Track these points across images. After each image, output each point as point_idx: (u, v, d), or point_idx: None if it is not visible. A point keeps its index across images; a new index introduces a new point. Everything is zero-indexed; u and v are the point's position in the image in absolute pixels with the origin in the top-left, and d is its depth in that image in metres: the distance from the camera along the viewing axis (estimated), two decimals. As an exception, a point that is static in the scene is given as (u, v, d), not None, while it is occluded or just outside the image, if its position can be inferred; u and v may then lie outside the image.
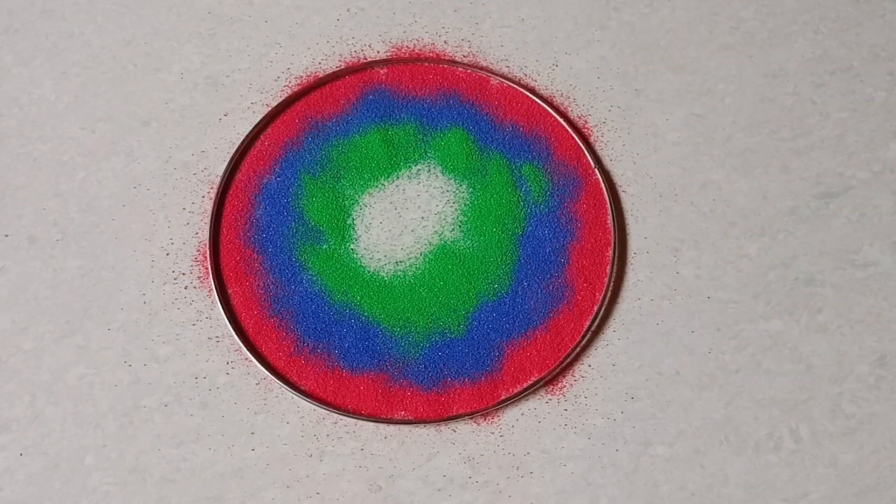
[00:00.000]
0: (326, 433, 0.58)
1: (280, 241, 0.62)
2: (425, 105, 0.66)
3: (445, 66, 0.67)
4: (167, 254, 0.62)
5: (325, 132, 0.65)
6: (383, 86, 0.67)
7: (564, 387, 0.59)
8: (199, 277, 0.61)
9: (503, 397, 0.58)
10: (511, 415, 0.58)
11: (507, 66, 0.67)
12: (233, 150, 0.64)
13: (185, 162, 0.64)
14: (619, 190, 0.64)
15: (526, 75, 0.67)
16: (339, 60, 0.67)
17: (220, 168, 0.64)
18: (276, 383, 0.59)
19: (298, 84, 0.67)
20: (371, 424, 0.58)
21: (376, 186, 0.63)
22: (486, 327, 0.60)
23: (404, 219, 0.63)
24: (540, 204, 0.63)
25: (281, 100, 0.66)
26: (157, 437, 0.57)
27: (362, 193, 0.63)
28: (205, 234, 0.62)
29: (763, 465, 0.57)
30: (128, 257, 0.62)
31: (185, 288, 0.61)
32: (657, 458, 0.57)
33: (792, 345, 0.60)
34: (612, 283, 0.61)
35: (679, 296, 0.61)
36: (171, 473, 0.57)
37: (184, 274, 0.61)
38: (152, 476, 0.57)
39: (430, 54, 0.68)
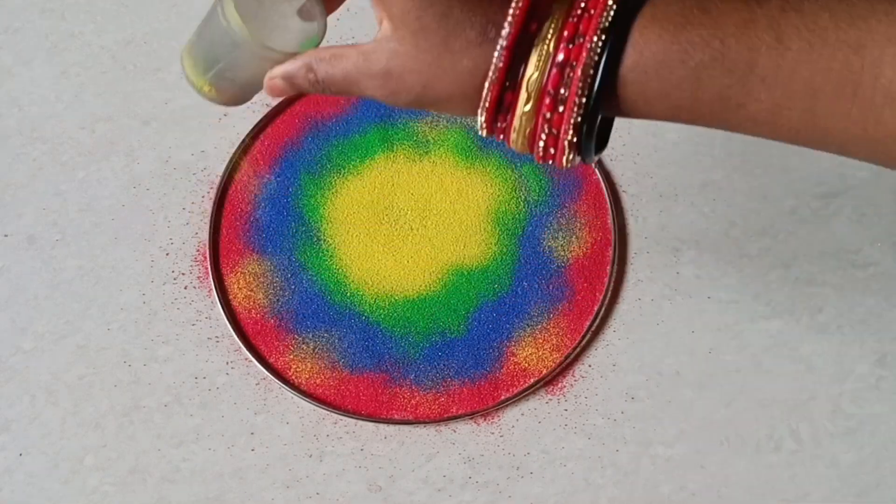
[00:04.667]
0: (326, 433, 0.58)
1: (280, 241, 0.62)
2: (425, 105, 0.66)
3: (445, 66, 0.67)
4: (167, 254, 0.62)
5: (325, 132, 0.65)
6: (383, 86, 0.66)
7: (564, 387, 0.59)
8: (198, 277, 0.61)
9: (503, 397, 0.58)
10: (511, 415, 0.58)
11: (507, 66, 0.67)
12: (233, 150, 0.64)
13: (184, 162, 0.64)
14: (619, 190, 0.63)
15: (526, 75, 0.66)
16: (339, 60, 0.67)
17: (220, 168, 0.64)
18: (275, 383, 0.59)
19: (298, 84, 0.66)
20: (371, 424, 0.58)
21: (376, 186, 0.63)
22: (486, 327, 0.60)
23: (404, 218, 0.62)
24: (540, 204, 0.63)
25: (281, 100, 0.65)
26: (157, 437, 0.57)
27: (362, 193, 0.63)
28: (204, 234, 0.62)
29: (763, 465, 0.57)
30: (127, 257, 0.62)
31: (185, 288, 0.61)
32: (657, 459, 0.57)
33: (792, 345, 0.59)
34: (612, 283, 0.61)
35: (679, 296, 0.61)
36: (171, 473, 0.57)
37: (183, 274, 0.61)
38: (152, 476, 0.57)
39: (430, 54, 0.68)
